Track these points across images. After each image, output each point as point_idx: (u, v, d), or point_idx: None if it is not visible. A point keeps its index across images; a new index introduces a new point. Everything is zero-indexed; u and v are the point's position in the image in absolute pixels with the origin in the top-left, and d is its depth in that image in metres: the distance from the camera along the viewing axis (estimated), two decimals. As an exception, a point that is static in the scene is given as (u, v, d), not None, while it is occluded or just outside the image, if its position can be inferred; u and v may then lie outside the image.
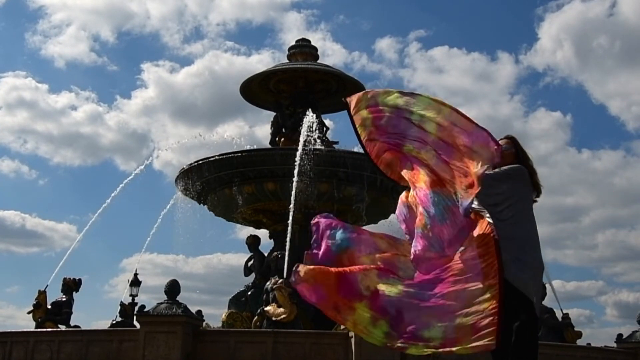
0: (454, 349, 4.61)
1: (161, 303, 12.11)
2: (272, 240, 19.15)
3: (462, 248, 4.90)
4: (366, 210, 18.06)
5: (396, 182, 5.92)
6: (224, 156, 17.57)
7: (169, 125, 73.26)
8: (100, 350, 12.42)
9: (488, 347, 4.52)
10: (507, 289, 4.90)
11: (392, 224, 18.62)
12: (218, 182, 18.10)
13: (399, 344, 4.91)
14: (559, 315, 15.84)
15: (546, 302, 14.85)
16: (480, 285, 4.66)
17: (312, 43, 21.86)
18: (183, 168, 18.58)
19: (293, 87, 20.32)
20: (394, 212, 18.77)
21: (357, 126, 5.65)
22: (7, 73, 74.17)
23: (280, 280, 13.89)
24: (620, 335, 15.35)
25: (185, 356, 11.56)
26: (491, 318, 4.52)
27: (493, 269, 4.66)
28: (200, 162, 17.95)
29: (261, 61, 71.66)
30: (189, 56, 79.51)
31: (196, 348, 12.00)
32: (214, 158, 17.71)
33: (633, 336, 15.03)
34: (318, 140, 17.08)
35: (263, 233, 19.62)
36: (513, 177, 5.50)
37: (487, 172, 5.02)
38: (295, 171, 15.42)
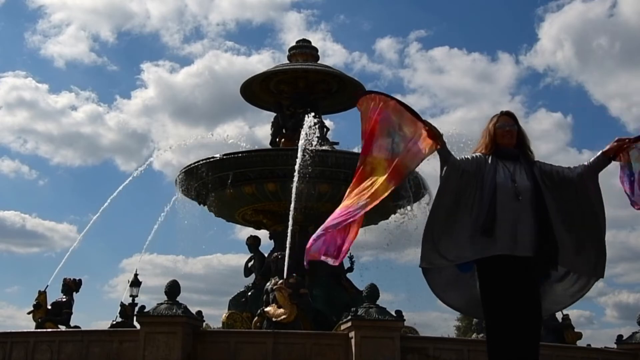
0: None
1: (161, 303, 12.11)
2: (272, 241, 19.16)
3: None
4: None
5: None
6: (224, 157, 17.57)
7: (169, 125, 73.48)
8: (100, 351, 12.42)
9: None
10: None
11: (392, 224, 18.64)
12: (218, 183, 18.11)
13: None
14: (558, 316, 15.82)
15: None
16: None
17: (313, 43, 21.87)
18: (183, 169, 18.59)
19: (293, 88, 20.33)
20: (394, 213, 18.64)
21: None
22: (7, 73, 74.53)
23: (281, 281, 13.90)
24: (620, 337, 15.32)
25: (185, 357, 11.56)
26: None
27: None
28: (201, 162, 17.96)
29: (261, 61, 71.92)
30: (188, 56, 79.82)
31: (196, 349, 12.01)
32: (214, 158, 17.72)
33: (633, 337, 15.00)
34: (317, 141, 17.08)
35: (263, 234, 19.64)
36: None
37: None
38: (296, 172, 15.43)
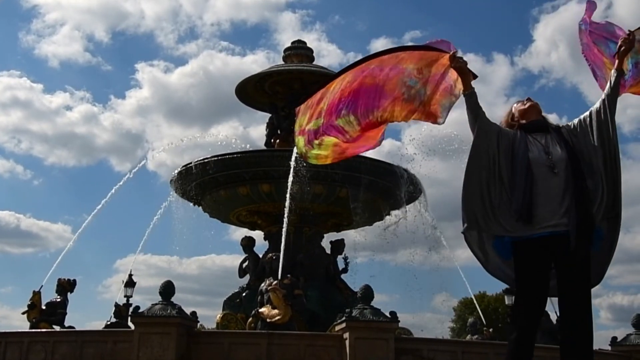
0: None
1: (156, 304, 12.10)
2: (267, 242, 19.16)
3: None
4: (361, 212, 18.09)
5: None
6: (219, 157, 17.59)
7: (163, 125, 73.53)
8: (94, 351, 12.40)
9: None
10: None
11: (385, 225, 18.66)
12: (213, 184, 18.12)
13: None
14: (553, 318, 15.84)
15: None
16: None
17: (307, 44, 21.93)
18: (178, 169, 18.59)
19: (288, 89, 20.33)
20: (389, 214, 18.59)
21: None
22: (1, 72, 74.40)
23: (275, 282, 13.89)
24: (614, 338, 15.34)
25: (179, 357, 11.56)
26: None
27: None
28: (195, 163, 17.96)
29: (256, 61, 71.99)
30: (183, 56, 79.86)
31: (190, 349, 11.99)
32: (208, 159, 17.73)
33: (627, 339, 15.02)
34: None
35: (258, 234, 19.65)
36: None
37: None
38: (291, 173, 15.44)
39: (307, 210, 17.13)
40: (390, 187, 17.40)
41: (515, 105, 5.25)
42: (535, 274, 4.75)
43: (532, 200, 4.72)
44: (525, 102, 5.17)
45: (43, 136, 73.69)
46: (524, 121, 5.09)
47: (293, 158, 15.66)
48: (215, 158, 17.61)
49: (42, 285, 16.14)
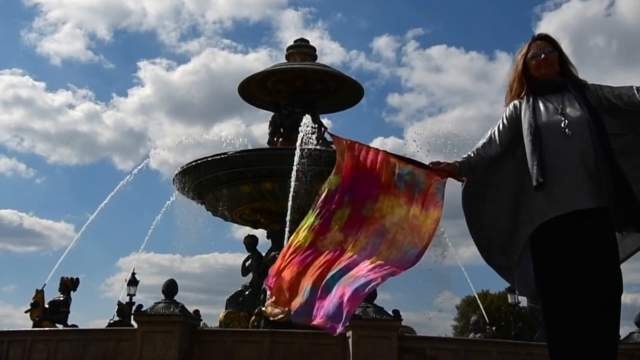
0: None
1: (158, 302, 12.11)
2: (269, 240, 19.17)
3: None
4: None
5: None
6: (222, 156, 17.60)
7: (165, 123, 73.59)
8: (97, 350, 12.41)
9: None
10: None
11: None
12: (216, 182, 18.12)
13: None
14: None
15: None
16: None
17: (310, 42, 21.99)
18: (180, 168, 18.60)
19: (291, 87, 20.38)
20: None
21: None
22: (3, 71, 74.50)
23: (278, 280, 13.90)
24: (617, 336, 15.32)
25: (182, 356, 11.56)
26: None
27: None
28: (198, 161, 17.97)
29: (258, 59, 72.01)
30: (185, 54, 79.93)
31: (193, 348, 12.00)
32: (211, 157, 17.74)
33: (630, 337, 15.01)
34: (315, 140, 17.12)
35: (261, 233, 19.66)
36: None
37: None
38: (293, 171, 15.45)
39: (309, 209, 17.13)
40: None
41: (524, 52, 4.17)
42: (563, 260, 3.74)
43: (545, 170, 3.76)
44: (541, 56, 4.10)
45: (45, 134, 73.91)
46: (536, 78, 4.10)
47: (295, 156, 15.67)
48: (218, 157, 17.61)
49: (44, 284, 16.20)
